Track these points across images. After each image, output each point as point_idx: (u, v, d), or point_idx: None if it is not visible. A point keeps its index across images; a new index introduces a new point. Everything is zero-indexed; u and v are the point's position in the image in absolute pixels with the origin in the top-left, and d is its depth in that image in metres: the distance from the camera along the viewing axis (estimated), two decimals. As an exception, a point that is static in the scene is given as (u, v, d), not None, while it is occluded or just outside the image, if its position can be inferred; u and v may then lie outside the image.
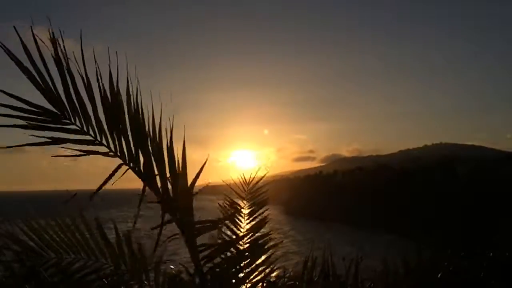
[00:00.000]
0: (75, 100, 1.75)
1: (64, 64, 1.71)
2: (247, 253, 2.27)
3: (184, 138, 1.88)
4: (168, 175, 1.93)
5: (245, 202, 2.83)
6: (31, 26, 1.63)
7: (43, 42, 1.70)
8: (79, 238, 2.53)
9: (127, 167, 1.89)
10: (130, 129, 1.86)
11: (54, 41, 1.68)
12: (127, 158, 1.89)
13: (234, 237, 2.41)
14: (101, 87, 1.76)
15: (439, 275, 3.14)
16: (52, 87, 1.72)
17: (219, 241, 2.32)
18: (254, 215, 2.68)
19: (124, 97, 1.83)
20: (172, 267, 2.53)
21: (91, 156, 1.90)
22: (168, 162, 1.92)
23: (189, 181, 1.99)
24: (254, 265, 2.25)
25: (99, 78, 1.75)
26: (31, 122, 1.72)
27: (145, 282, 2.47)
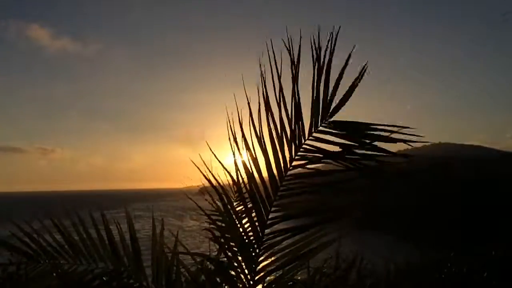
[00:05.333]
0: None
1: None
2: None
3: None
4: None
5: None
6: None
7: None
8: (77, 242, 2.51)
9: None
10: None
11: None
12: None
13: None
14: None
15: (442, 275, 3.12)
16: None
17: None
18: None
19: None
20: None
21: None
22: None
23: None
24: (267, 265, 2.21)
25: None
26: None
27: (144, 283, 2.45)
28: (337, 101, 2.00)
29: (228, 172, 2.15)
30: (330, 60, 1.95)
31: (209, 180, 2.17)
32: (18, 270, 2.41)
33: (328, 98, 1.98)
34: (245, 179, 2.13)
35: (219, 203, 2.20)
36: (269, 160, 2.10)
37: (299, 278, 2.59)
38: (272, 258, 2.19)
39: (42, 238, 2.47)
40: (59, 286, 2.35)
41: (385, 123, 1.98)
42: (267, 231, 2.16)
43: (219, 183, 2.17)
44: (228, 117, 2.08)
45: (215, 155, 2.12)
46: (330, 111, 2.00)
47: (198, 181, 2.17)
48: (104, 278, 2.43)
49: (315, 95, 2.00)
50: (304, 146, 2.08)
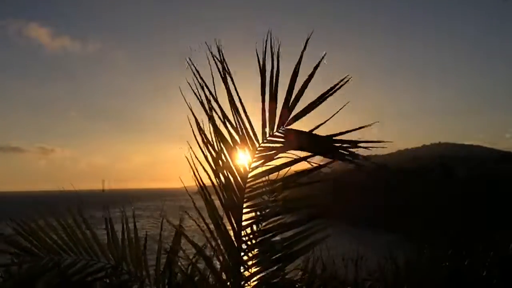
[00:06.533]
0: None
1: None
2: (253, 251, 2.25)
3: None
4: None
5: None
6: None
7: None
8: (79, 238, 2.53)
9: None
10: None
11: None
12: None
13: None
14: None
15: (441, 275, 3.12)
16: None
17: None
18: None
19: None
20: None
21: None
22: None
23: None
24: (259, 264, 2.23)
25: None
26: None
27: (147, 281, 2.47)
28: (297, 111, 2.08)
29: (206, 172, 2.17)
30: (277, 72, 2.01)
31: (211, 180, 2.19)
32: (20, 269, 2.42)
33: (282, 107, 2.07)
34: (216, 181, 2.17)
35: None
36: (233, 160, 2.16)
37: (295, 278, 2.60)
38: (255, 259, 2.21)
39: (44, 233, 2.48)
40: (60, 283, 2.36)
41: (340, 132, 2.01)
42: (248, 231, 2.20)
43: (204, 184, 2.19)
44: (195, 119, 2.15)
45: (196, 156, 2.14)
46: (288, 119, 2.08)
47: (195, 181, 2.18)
48: (104, 273, 2.45)
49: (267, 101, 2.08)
50: (259, 149, 2.15)
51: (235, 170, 2.14)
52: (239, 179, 2.15)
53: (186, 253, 2.45)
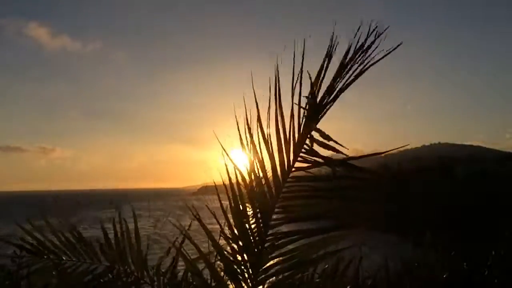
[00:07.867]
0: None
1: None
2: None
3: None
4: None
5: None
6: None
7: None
8: (82, 239, 2.52)
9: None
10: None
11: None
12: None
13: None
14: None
15: (442, 275, 3.12)
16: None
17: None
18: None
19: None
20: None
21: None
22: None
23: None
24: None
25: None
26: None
27: (148, 283, 2.46)
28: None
29: (238, 171, 2.14)
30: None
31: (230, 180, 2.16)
32: (18, 268, 2.42)
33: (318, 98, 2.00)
34: (248, 179, 2.12)
35: (225, 202, 2.20)
36: (274, 160, 2.10)
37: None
38: (276, 260, 2.19)
39: (43, 236, 2.48)
40: (60, 284, 2.36)
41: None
42: (270, 231, 2.17)
43: (231, 182, 2.16)
44: (236, 117, 2.10)
45: (227, 154, 2.11)
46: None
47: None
48: (106, 277, 2.44)
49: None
50: (304, 148, 2.07)
51: (277, 170, 2.09)
52: (279, 179, 2.10)
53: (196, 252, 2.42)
